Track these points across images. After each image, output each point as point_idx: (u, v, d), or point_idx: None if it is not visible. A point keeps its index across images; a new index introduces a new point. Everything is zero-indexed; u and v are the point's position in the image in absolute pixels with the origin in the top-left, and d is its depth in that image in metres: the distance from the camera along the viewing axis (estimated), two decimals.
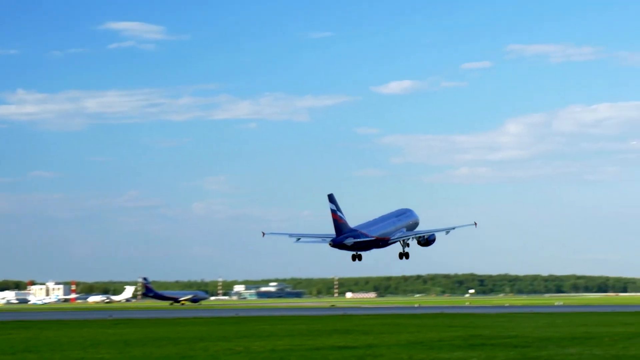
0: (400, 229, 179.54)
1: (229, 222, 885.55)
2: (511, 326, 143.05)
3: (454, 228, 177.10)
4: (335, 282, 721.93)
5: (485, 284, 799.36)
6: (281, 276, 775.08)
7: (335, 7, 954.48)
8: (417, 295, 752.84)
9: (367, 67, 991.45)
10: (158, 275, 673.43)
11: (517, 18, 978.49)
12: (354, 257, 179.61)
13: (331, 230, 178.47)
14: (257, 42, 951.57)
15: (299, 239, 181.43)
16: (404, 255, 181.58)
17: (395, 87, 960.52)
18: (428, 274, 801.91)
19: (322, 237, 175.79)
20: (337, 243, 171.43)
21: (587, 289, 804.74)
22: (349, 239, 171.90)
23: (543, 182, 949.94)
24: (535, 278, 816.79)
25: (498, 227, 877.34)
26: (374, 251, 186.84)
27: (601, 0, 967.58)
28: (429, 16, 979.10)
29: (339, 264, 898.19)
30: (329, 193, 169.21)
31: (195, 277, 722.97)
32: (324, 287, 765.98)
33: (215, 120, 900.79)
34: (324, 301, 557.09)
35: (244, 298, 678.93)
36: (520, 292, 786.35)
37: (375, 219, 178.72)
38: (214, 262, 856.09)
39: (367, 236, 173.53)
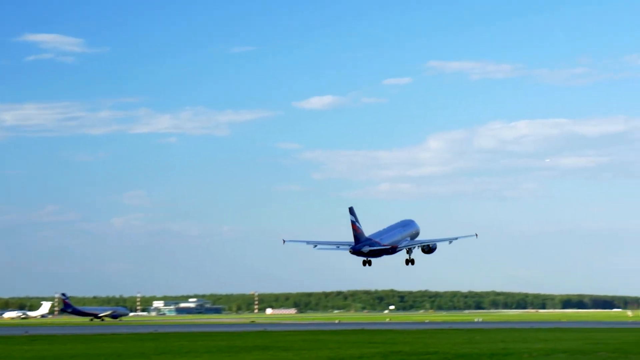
0: (405, 238, 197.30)
1: (148, 237, 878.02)
2: (431, 342, 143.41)
3: (456, 238, 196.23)
4: (256, 298, 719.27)
5: (406, 300, 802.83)
6: (201, 292, 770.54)
7: (257, 22, 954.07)
8: (337, 311, 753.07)
9: (289, 82, 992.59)
10: (76, 290, 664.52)
11: (437, 35, 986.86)
12: (364, 263, 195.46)
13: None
14: (178, 55, 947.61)
15: (316, 245, 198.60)
16: (409, 261, 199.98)
17: (316, 102, 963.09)
18: (348, 290, 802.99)
19: (338, 245, 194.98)
20: (356, 250, 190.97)
21: (507, 306, 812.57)
22: (365, 247, 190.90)
23: (464, 199, 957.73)
24: (455, 294, 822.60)
25: None
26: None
27: (520, 19, 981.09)
28: (350, 31, 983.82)
29: (258, 279, 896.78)
30: (350, 206, 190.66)
31: (114, 293, 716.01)
32: (244, 303, 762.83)
33: (135, 134, 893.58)
34: (244, 317, 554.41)
35: (163, 314, 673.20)
36: (440, 308, 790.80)
37: (385, 229, 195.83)
38: (133, 278, 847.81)
39: (379, 244, 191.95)
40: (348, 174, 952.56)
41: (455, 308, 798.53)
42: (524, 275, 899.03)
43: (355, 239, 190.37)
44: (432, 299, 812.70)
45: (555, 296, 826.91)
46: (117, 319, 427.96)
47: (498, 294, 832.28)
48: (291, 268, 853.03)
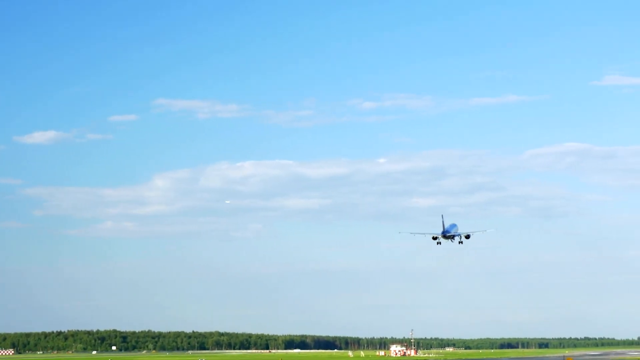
0: (457, 231, 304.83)
1: None
2: None
3: (486, 230, 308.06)
4: None
5: (128, 341, 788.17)
6: None
7: None
8: (56, 352, 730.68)
9: (10, 115, 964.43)
10: None
11: (165, 72, 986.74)
12: (437, 243, 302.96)
13: None
14: None
15: (414, 234, 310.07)
16: (460, 242, 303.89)
17: (39, 137, 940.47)
18: (69, 330, 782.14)
19: (429, 234, 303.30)
20: (444, 235, 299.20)
21: (230, 346, 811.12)
22: (447, 233, 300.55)
23: (189, 238, 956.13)
24: (178, 335, 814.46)
25: (142, 282, 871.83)
26: None
27: (248, 59, 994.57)
28: (74, 65, 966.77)
29: None
30: (442, 214, 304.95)
31: None
32: None
33: None
34: None
35: None
36: (163, 348, 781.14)
37: (450, 225, 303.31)
38: None
39: (451, 232, 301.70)
40: (71, 211, 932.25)
41: (178, 348, 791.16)
42: (248, 315, 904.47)
43: (443, 230, 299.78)
44: (155, 339, 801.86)
45: (279, 336, 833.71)
46: None
47: (222, 334, 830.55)
48: (9, 307, 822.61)
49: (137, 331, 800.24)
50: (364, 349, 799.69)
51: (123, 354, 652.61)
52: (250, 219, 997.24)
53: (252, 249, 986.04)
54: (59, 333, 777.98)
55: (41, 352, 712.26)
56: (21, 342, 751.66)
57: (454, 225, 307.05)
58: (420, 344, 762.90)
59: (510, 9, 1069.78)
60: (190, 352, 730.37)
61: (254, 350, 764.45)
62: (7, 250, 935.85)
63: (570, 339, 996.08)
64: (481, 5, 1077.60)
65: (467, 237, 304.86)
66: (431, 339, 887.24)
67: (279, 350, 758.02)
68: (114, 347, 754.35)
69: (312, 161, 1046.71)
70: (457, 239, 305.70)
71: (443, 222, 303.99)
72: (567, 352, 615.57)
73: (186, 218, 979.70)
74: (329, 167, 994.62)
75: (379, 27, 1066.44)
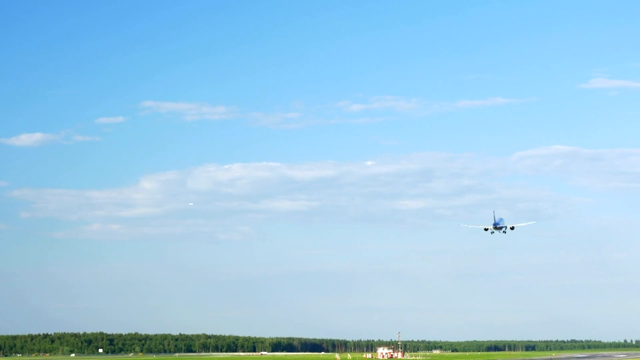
0: (504, 224, 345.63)
1: None
2: None
3: (529, 223, 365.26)
4: None
5: (115, 343, 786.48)
6: None
7: None
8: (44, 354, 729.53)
9: None
10: None
11: (151, 74, 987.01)
12: (491, 232, 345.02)
13: None
14: None
15: (470, 226, 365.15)
16: (504, 232, 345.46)
17: (26, 139, 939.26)
18: (56, 333, 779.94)
19: (482, 226, 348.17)
20: (495, 226, 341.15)
21: (217, 348, 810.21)
22: (498, 224, 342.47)
23: (176, 240, 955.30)
24: (165, 337, 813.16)
25: (129, 284, 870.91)
26: None
27: (235, 61, 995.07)
28: (60, 67, 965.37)
29: None
30: (494, 209, 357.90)
31: None
32: None
33: None
34: None
35: None
36: (150, 351, 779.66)
37: (499, 219, 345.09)
38: None
39: (500, 224, 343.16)
40: (58, 213, 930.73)
41: (165, 351, 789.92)
42: (236, 317, 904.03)
43: (494, 222, 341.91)
44: (142, 341, 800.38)
45: (266, 339, 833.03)
46: None
47: (209, 336, 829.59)
48: None
49: (124, 333, 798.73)
50: (351, 351, 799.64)
51: (110, 357, 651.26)
52: (238, 221, 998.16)
53: (240, 251, 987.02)
54: (46, 335, 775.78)
55: (21, 355, 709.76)
56: (7, 345, 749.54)
57: (502, 219, 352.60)
58: (407, 346, 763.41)
59: (497, 12, 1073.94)
60: (177, 354, 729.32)
61: (241, 353, 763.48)
62: None
63: (556, 341, 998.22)
64: (469, 8, 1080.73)
65: (512, 228, 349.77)
66: (418, 341, 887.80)
67: (267, 353, 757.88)
68: (100, 350, 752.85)
69: (300, 163, 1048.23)
70: (503, 229, 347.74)
71: (494, 215, 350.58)
72: (553, 354, 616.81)
73: (174, 220, 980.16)
74: (317, 170, 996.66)
75: (366, 29, 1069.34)
